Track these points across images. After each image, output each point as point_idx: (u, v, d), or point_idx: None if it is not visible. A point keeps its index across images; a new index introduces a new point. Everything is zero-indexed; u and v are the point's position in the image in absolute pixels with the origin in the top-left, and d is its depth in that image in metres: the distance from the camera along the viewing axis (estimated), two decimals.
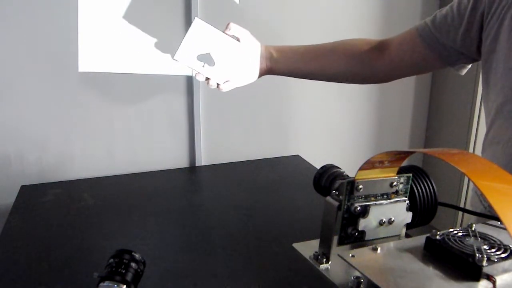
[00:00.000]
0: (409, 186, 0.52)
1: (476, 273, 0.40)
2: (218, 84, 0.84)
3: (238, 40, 0.83)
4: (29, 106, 1.11)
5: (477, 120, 1.41)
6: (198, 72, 0.83)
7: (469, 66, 0.80)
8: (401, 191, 0.52)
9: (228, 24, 0.83)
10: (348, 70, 0.87)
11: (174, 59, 0.81)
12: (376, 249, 0.46)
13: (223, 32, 0.82)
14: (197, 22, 0.80)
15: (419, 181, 0.53)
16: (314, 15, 1.31)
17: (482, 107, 1.40)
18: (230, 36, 0.83)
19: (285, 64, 0.89)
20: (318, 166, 0.60)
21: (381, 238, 0.51)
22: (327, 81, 0.92)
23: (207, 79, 0.83)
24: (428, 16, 0.79)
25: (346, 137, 1.48)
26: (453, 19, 0.74)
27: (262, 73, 0.90)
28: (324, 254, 0.50)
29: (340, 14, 1.35)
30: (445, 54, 0.77)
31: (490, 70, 0.71)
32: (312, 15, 1.31)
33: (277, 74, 0.91)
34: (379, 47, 0.84)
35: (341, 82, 0.93)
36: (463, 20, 0.72)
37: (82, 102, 1.15)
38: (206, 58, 0.82)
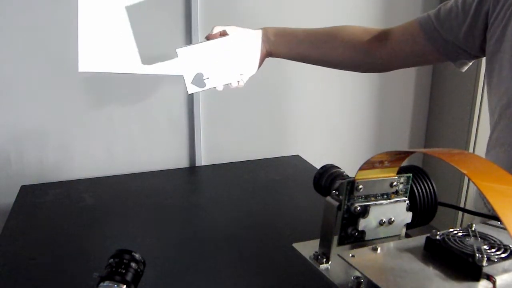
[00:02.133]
0: (409, 186, 0.52)
1: (476, 273, 0.40)
2: (238, 82, 0.85)
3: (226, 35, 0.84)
4: (29, 106, 1.11)
5: (477, 120, 1.41)
6: (215, 87, 0.84)
7: (470, 63, 0.79)
8: (401, 191, 0.52)
9: (213, 28, 0.84)
10: (348, 58, 0.87)
11: (189, 93, 0.83)
12: (376, 249, 0.46)
13: (208, 38, 0.83)
14: (180, 52, 0.80)
15: (419, 181, 0.53)
16: (314, 14, 1.31)
17: (482, 107, 1.40)
18: (217, 37, 0.83)
19: (284, 48, 0.89)
20: (318, 166, 0.60)
21: (381, 238, 0.51)
22: (326, 66, 0.91)
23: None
24: (428, 9, 0.79)
25: (346, 137, 1.48)
26: (457, 15, 0.73)
27: (263, 57, 0.89)
28: (324, 254, 0.50)
29: (340, 12, 1.35)
30: (446, 49, 0.76)
31: (494, 71, 0.70)
32: (312, 14, 1.30)
33: (277, 57, 0.91)
34: (380, 37, 0.84)
35: (340, 69, 0.92)
36: (467, 17, 0.71)
37: (82, 102, 1.15)
38: (212, 71, 0.83)
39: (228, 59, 0.83)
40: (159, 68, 1.18)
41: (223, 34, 0.84)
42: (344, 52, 0.87)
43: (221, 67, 0.83)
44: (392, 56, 0.83)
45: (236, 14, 1.22)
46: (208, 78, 0.82)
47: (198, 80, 0.82)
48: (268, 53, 0.89)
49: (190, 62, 0.81)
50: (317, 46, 0.88)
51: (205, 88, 0.83)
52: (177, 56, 0.80)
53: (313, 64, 0.91)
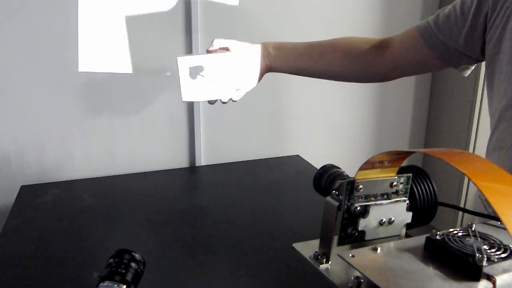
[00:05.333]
0: (409, 186, 0.52)
1: (476, 273, 0.40)
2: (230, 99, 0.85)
3: (227, 49, 0.84)
4: (29, 106, 1.11)
5: (477, 120, 1.41)
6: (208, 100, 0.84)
7: (473, 67, 0.79)
8: (401, 191, 0.52)
9: (213, 40, 0.84)
10: (349, 69, 0.87)
11: (183, 101, 0.82)
12: (376, 249, 0.46)
13: (209, 52, 0.83)
14: (181, 60, 0.81)
15: (419, 181, 0.53)
16: (314, 15, 1.31)
17: (482, 108, 1.40)
18: (218, 51, 0.83)
19: (284, 61, 0.88)
20: (318, 166, 0.60)
21: (381, 238, 0.51)
22: (327, 79, 0.91)
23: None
24: (428, 15, 0.79)
25: (346, 137, 1.48)
26: (456, 20, 0.73)
27: (263, 72, 0.89)
28: (324, 254, 0.50)
29: (340, 14, 1.35)
30: (447, 54, 0.76)
31: (494, 73, 0.70)
32: (311, 15, 1.31)
33: (277, 72, 0.90)
34: (380, 46, 0.83)
35: (341, 81, 0.92)
36: (467, 21, 0.71)
37: (82, 102, 1.15)
38: (209, 84, 0.82)
39: (227, 75, 0.83)
40: (159, 68, 1.18)
41: (224, 48, 0.84)
42: (345, 63, 0.86)
43: (219, 81, 0.83)
44: (394, 65, 0.83)
45: (236, 15, 1.22)
46: (203, 90, 0.82)
47: (194, 90, 0.82)
48: (268, 67, 0.89)
49: (189, 72, 0.81)
50: (317, 59, 0.87)
51: (199, 99, 0.84)
52: (177, 64, 0.80)
53: (315, 77, 0.91)
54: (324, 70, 0.88)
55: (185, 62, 0.81)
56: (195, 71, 0.82)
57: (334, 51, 0.87)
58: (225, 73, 0.83)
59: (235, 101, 0.86)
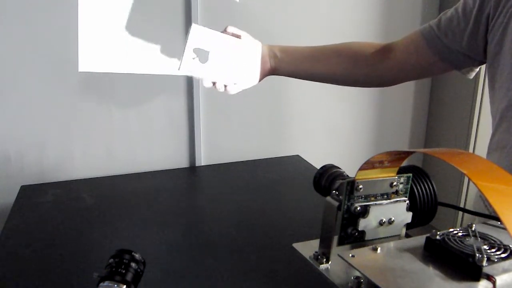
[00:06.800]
0: (409, 186, 0.52)
1: (476, 273, 0.40)
2: (225, 86, 0.83)
3: (238, 37, 0.83)
4: (29, 106, 1.11)
5: (477, 120, 1.41)
6: (204, 78, 0.82)
7: (477, 69, 0.79)
8: (401, 191, 0.52)
9: (226, 27, 0.83)
10: (353, 73, 0.87)
11: (179, 70, 0.80)
12: (376, 249, 0.46)
13: (222, 32, 0.82)
14: (194, 28, 0.79)
15: (419, 181, 0.53)
16: (315, 15, 1.31)
17: (482, 108, 1.40)
18: (230, 34, 0.83)
19: (289, 64, 0.88)
20: (318, 166, 0.60)
21: (381, 238, 0.51)
22: (331, 83, 0.91)
23: (214, 83, 0.82)
24: (429, 18, 0.79)
25: (346, 137, 1.48)
26: (458, 22, 0.73)
27: (266, 73, 0.89)
28: (324, 254, 0.50)
29: (341, 15, 1.34)
30: (450, 57, 0.76)
31: (495, 73, 0.70)
32: (313, 15, 1.30)
33: (281, 75, 0.90)
34: (384, 50, 0.84)
35: (345, 85, 0.92)
36: (469, 22, 0.71)
37: (82, 102, 1.15)
38: (209, 61, 0.81)
39: (231, 61, 0.82)
40: (159, 68, 1.18)
41: (236, 36, 0.84)
42: (349, 68, 0.86)
43: (222, 64, 0.82)
44: (398, 69, 0.83)
45: (236, 13, 1.22)
46: (203, 67, 0.80)
47: (194, 63, 0.80)
48: (272, 69, 0.88)
49: (198, 43, 0.79)
50: (322, 62, 0.87)
51: (196, 74, 0.81)
52: (189, 31, 0.78)
53: (319, 81, 0.90)
54: (329, 74, 0.88)
55: (197, 32, 0.79)
56: (203, 45, 0.80)
57: (339, 56, 0.87)
58: (231, 58, 0.82)
59: (228, 93, 0.85)
